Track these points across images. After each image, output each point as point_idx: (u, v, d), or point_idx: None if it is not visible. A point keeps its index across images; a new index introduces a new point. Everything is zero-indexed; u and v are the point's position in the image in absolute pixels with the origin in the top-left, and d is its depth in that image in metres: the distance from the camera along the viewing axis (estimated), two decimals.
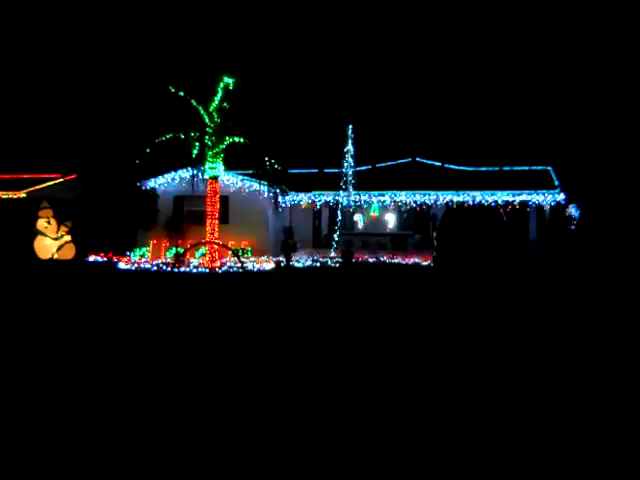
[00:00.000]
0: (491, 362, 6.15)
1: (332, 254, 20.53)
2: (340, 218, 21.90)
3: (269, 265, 17.98)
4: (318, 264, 18.88)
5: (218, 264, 17.43)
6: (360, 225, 25.65)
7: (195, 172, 18.01)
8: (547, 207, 21.93)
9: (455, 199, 21.64)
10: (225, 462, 3.63)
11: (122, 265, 17.80)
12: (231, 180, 21.72)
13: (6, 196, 23.39)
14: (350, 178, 20.98)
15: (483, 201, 21.57)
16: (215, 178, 18.25)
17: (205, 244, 17.66)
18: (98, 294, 11.68)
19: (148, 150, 17.93)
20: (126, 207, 22.14)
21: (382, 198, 22.90)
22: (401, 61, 50.66)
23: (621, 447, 3.92)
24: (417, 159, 26.47)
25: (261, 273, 16.46)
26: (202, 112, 17.73)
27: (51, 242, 19.96)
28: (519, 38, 46.98)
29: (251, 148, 18.11)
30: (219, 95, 17.69)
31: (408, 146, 28.79)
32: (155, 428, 4.17)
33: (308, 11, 49.02)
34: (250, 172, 22.68)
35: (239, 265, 16.35)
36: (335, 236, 21.56)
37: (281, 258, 19.49)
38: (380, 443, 3.91)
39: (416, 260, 19.61)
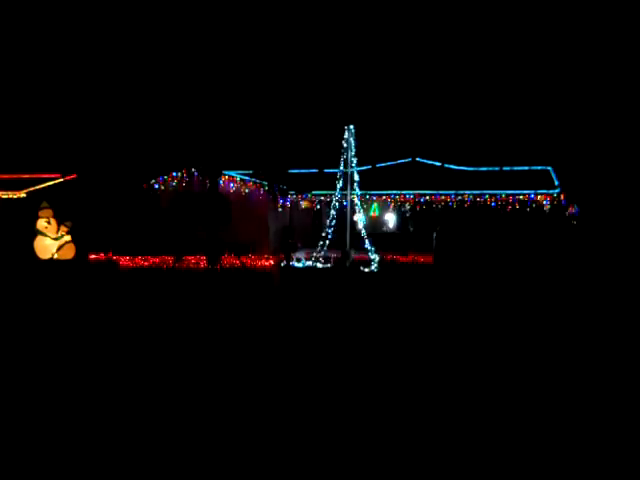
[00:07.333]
0: (491, 362, 6.15)
1: (332, 254, 20.50)
2: (339, 218, 21.83)
3: (269, 265, 17.97)
4: (318, 264, 18.87)
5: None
6: (360, 225, 25.61)
7: (195, 172, 18.03)
8: (547, 207, 21.91)
9: (455, 199, 21.63)
10: (225, 461, 3.63)
11: (122, 265, 17.81)
12: (231, 180, 21.69)
13: (6, 196, 23.37)
14: (350, 178, 20.93)
15: (483, 201, 21.56)
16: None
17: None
18: (99, 294, 11.69)
19: (148, 150, 17.94)
20: (127, 207, 22.13)
21: (382, 198, 22.87)
22: (401, 61, 50.68)
23: (621, 447, 3.92)
24: (417, 159, 26.43)
25: (261, 273, 16.45)
26: None
27: (51, 242, 19.88)
28: (519, 38, 47.00)
29: (251, 148, 18.12)
30: None
31: (408, 146, 28.73)
32: (155, 428, 4.17)
33: (308, 10, 49.03)
34: (250, 172, 22.69)
35: (239, 265, 16.34)
36: (335, 236, 21.50)
37: (281, 258, 19.46)
38: (379, 441, 3.91)
39: (416, 260, 19.62)
